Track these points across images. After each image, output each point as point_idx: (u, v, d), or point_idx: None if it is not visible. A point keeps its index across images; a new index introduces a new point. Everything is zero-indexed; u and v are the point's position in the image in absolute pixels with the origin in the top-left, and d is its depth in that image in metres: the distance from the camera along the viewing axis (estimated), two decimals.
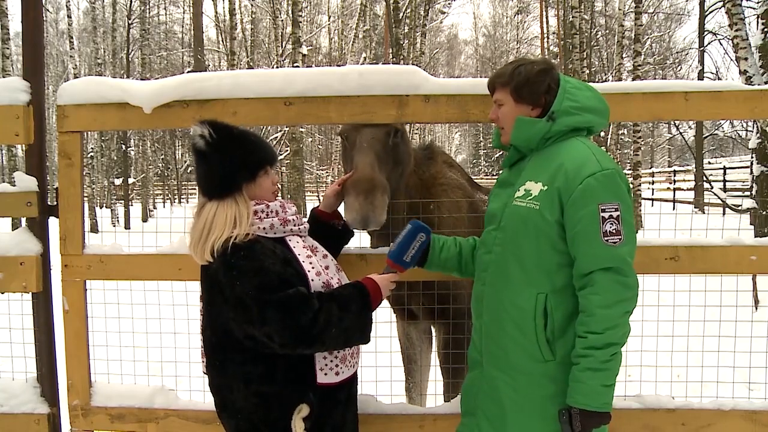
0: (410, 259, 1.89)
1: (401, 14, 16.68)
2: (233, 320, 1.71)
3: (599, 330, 1.62)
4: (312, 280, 1.77)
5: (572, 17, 16.15)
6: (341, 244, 2.22)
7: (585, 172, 1.69)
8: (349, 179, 2.16)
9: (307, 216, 2.18)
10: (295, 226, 1.86)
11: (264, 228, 1.78)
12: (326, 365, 1.78)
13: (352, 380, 1.91)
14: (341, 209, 2.19)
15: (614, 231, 1.65)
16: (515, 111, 1.84)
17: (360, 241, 2.49)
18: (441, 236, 2.09)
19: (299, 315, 1.64)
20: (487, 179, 30.75)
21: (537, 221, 1.73)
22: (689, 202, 17.36)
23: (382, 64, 18.71)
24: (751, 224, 8.35)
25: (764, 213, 7.13)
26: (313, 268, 1.80)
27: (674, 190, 21.17)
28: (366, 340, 1.79)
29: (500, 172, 2.03)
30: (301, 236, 1.90)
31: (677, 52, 23.67)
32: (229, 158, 1.78)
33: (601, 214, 1.66)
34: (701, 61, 15.79)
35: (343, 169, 2.56)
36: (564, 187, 1.70)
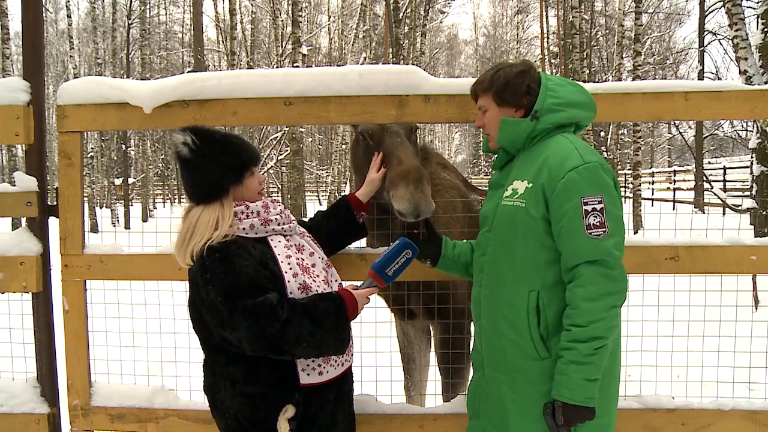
0: (392, 273, 1.89)
1: (401, 14, 16.67)
2: (210, 323, 1.72)
3: (583, 323, 1.61)
4: (288, 281, 1.75)
5: (572, 17, 16.18)
6: (353, 239, 2.24)
7: (567, 166, 1.68)
8: (394, 172, 2.15)
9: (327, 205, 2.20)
10: (278, 225, 1.85)
11: (244, 228, 1.78)
12: (308, 365, 1.78)
13: (343, 378, 1.90)
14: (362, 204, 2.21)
15: (598, 224, 1.64)
16: (499, 115, 1.85)
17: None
18: (451, 240, 2.12)
19: (265, 325, 1.63)
20: (486, 179, 30.71)
21: (524, 219, 1.74)
22: (689, 202, 17.35)
23: (382, 64, 18.70)
24: (751, 224, 8.35)
25: (764, 213, 7.13)
26: (290, 268, 1.78)
27: (674, 190, 21.16)
28: (340, 353, 1.79)
29: (492, 174, 2.04)
30: (285, 235, 1.89)
31: (677, 52, 23.65)
32: (214, 164, 1.78)
33: (584, 207, 1.65)
34: (701, 61, 15.76)
35: (353, 167, 2.56)
36: (548, 182, 1.71)
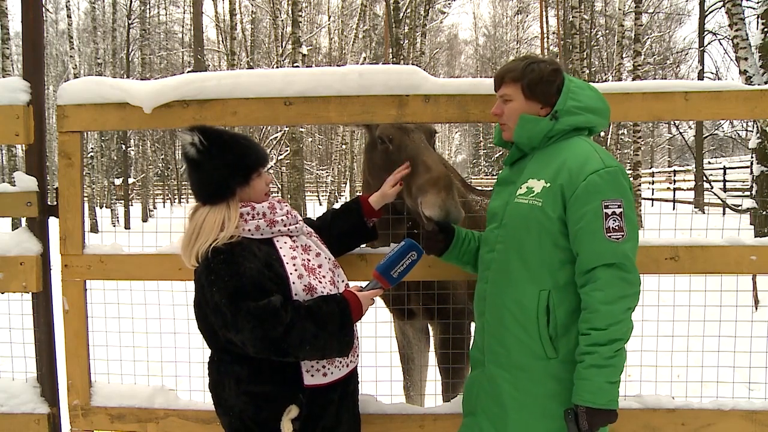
0: (397, 275, 1.88)
1: (401, 14, 16.67)
2: (215, 324, 1.72)
3: (603, 326, 1.62)
4: (293, 283, 1.75)
5: (572, 17, 16.16)
6: (362, 242, 2.23)
7: (588, 169, 1.70)
8: (422, 178, 2.13)
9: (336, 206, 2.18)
10: (284, 226, 1.84)
11: (249, 230, 1.77)
12: (312, 367, 1.77)
13: (348, 379, 1.90)
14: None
15: (617, 227, 1.66)
16: (524, 107, 1.84)
17: None
18: (464, 229, 2.09)
19: (268, 328, 1.63)
20: (487, 179, 30.75)
21: (539, 218, 1.74)
22: (689, 202, 17.35)
23: (382, 64, 18.70)
24: (751, 224, 8.35)
25: (764, 213, 7.13)
26: (296, 270, 1.77)
27: (674, 190, 21.16)
28: (344, 355, 1.78)
29: (500, 171, 2.03)
30: (291, 236, 1.88)
31: (677, 52, 23.64)
32: (221, 165, 1.77)
33: (605, 211, 1.67)
34: (701, 61, 15.77)
35: (368, 171, 2.50)
36: (567, 183, 1.71)
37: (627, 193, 1.72)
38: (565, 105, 1.80)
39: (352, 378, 1.93)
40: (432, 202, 2.06)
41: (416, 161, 2.20)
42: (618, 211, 1.67)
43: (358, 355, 1.94)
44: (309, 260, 1.86)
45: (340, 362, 1.83)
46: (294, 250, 1.83)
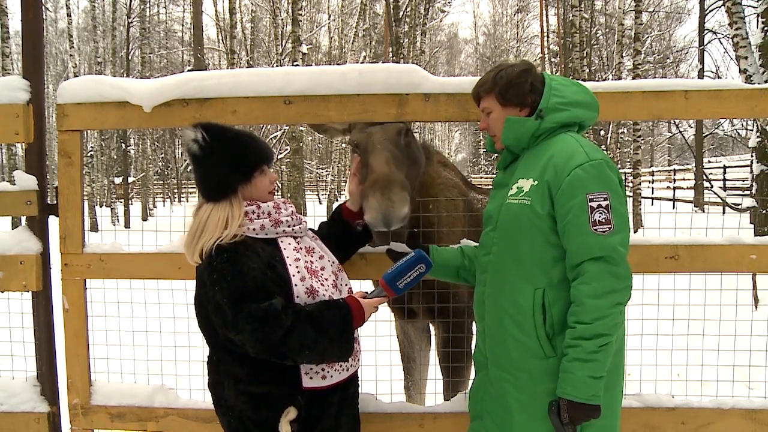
0: (403, 286, 1.87)
1: (401, 13, 16.66)
2: (215, 323, 1.72)
3: (588, 320, 1.61)
4: (295, 285, 1.74)
5: (572, 16, 16.15)
6: (358, 245, 2.21)
7: (573, 164, 1.69)
8: (366, 183, 2.09)
9: (330, 213, 2.17)
10: (288, 227, 1.83)
11: (254, 229, 1.77)
12: (311, 369, 1.76)
13: (348, 383, 1.89)
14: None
15: (603, 220, 1.65)
16: (504, 114, 1.85)
17: None
18: (448, 249, 2.11)
19: (269, 331, 1.62)
20: (487, 178, 30.77)
21: (530, 216, 1.74)
22: (689, 201, 17.35)
23: (382, 62, 18.68)
24: (750, 223, 8.36)
25: (764, 212, 7.13)
26: (298, 272, 1.76)
27: (674, 188, 21.15)
28: (344, 360, 1.78)
29: (495, 173, 2.04)
30: (295, 237, 1.87)
31: (677, 51, 23.66)
32: (222, 162, 1.77)
33: (590, 204, 1.65)
34: (701, 60, 15.78)
35: (357, 175, 2.51)
36: (553, 179, 1.71)
37: (613, 185, 1.70)
38: (548, 103, 1.80)
39: (352, 381, 1.92)
40: (368, 206, 2.02)
41: (366, 166, 2.15)
42: (604, 204, 1.65)
43: (358, 360, 1.93)
44: (312, 262, 1.85)
45: (341, 366, 1.82)
46: (297, 252, 1.82)
